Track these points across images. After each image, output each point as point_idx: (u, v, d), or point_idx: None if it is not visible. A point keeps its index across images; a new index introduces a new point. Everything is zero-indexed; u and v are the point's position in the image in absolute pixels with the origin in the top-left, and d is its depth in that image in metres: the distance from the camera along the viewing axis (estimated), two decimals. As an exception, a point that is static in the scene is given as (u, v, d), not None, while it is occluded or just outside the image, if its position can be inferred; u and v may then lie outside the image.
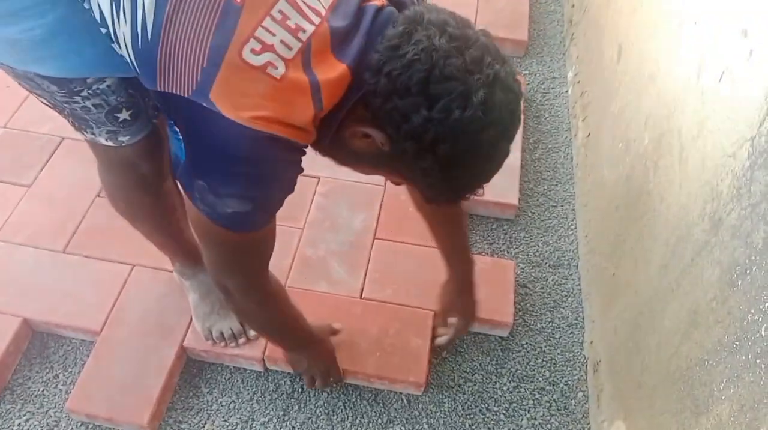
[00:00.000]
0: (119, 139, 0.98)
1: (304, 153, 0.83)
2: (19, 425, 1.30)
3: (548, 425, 1.33)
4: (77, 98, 0.88)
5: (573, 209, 1.67)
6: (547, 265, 1.57)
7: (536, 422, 1.34)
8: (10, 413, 1.31)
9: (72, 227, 1.52)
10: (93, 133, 0.97)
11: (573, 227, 1.64)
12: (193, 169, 0.81)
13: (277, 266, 1.48)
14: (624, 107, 1.42)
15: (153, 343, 1.35)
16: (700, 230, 0.96)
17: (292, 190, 0.86)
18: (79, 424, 1.30)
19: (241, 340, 1.35)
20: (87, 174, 1.62)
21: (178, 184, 0.87)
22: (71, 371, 1.36)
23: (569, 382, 1.39)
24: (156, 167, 1.08)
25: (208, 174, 0.80)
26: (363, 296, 1.46)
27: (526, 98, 1.91)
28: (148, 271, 1.46)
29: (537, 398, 1.37)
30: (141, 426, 1.26)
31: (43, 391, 1.34)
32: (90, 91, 0.88)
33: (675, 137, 1.11)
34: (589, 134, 1.66)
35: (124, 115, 0.94)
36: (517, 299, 1.50)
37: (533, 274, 1.56)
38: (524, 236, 1.62)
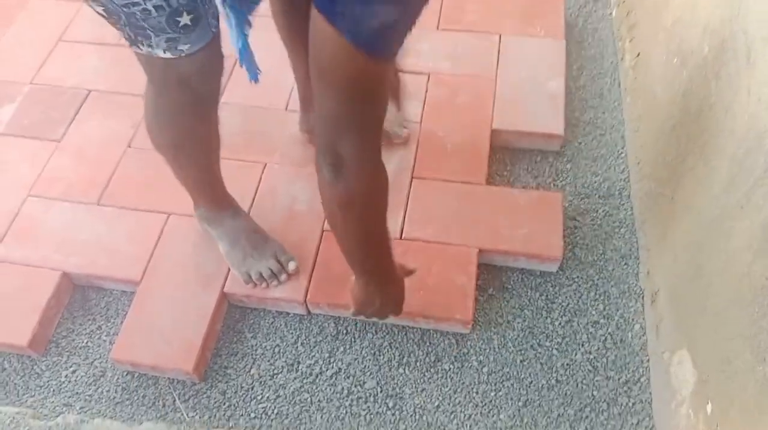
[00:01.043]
0: (179, 47, 0.92)
1: None
2: (66, 376, 1.30)
3: (604, 359, 1.28)
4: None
5: (622, 137, 1.58)
6: (597, 196, 1.49)
7: (591, 356, 1.28)
8: (56, 365, 1.31)
9: (104, 179, 1.50)
10: (150, 45, 0.91)
11: (623, 154, 1.54)
12: None
13: (312, 209, 1.44)
14: (677, 19, 1.31)
15: (193, 290, 1.33)
16: (774, 137, 0.87)
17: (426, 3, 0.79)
18: (124, 373, 1.29)
19: (283, 277, 1.31)
20: (116, 126, 1.60)
21: (316, 10, 0.77)
22: (114, 322, 1.36)
23: (625, 314, 1.33)
24: (213, 89, 1.05)
25: None
26: (403, 236, 1.40)
27: (568, 24, 1.79)
28: (185, 219, 1.43)
29: (591, 332, 1.31)
30: (186, 372, 1.25)
31: (87, 343, 1.34)
32: None
33: (740, 40, 1.00)
34: (638, 55, 1.54)
35: (185, 19, 0.89)
36: (566, 233, 1.42)
37: (582, 206, 1.48)
38: (571, 168, 1.54)
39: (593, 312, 1.33)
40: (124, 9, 0.85)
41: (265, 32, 1.76)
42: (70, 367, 1.31)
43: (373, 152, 0.90)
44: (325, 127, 0.87)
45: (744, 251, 0.92)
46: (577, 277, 1.38)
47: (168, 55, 0.93)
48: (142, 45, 0.92)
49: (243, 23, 1.03)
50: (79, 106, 1.64)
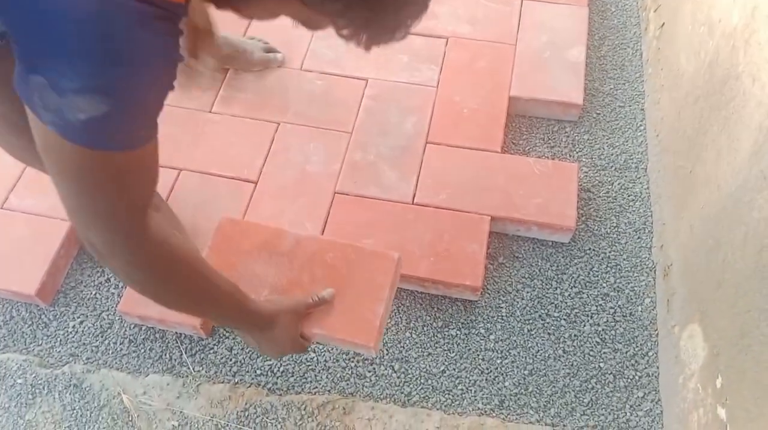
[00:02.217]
0: None
1: (178, 19, 0.64)
2: (73, 327, 1.30)
3: (612, 331, 1.27)
4: None
5: (642, 109, 1.54)
6: (613, 168, 1.47)
7: (599, 328, 1.27)
8: (64, 315, 1.32)
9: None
10: None
11: (642, 127, 1.51)
12: (26, 62, 0.60)
13: (326, 170, 1.42)
14: (707, -13, 1.27)
15: (201, 245, 1.32)
16: (805, 106, 0.84)
17: (167, 86, 0.65)
18: (132, 326, 1.30)
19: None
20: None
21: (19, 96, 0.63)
22: (122, 275, 1.35)
23: (636, 288, 1.31)
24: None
25: (43, 60, 0.59)
26: (415, 201, 1.39)
27: (591, -8, 1.75)
28: (196, 175, 1.42)
29: (600, 304, 1.30)
30: (194, 327, 1.25)
31: (95, 294, 1.34)
32: None
33: (774, 7, 0.97)
34: (663, 25, 1.50)
35: None
36: (580, 204, 1.40)
37: (597, 178, 1.46)
38: (588, 139, 1.51)
39: (604, 284, 1.32)
40: None
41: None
42: (78, 318, 1.31)
43: (129, 239, 0.74)
44: (69, 216, 0.74)
45: (765, 222, 0.90)
46: (589, 249, 1.36)
47: None
48: None
49: None
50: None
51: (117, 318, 1.30)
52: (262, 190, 1.40)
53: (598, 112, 1.55)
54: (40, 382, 1.23)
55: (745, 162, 1.00)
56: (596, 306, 1.30)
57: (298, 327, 1.02)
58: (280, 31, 1.65)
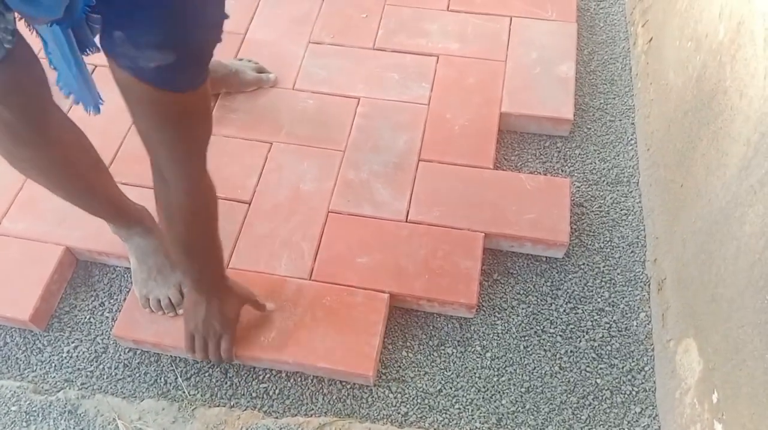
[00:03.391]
0: None
1: None
2: (68, 352, 1.29)
3: (608, 347, 1.26)
4: None
5: (632, 123, 1.55)
6: (605, 182, 1.47)
7: (595, 344, 1.27)
8: (58, 340, 1.31)
9: (110, 155, 1.49)
10: None
11: (633, 141, 1.52)
12: (111, 23, 0.75)
13: (319, 189, 1.43)
14: (692, 2, 1.28)
15: (196, 268, 1.32)
16: (791, 121, 0.85)
17: (218, 38, 0.81)
18: (126, 350, 1.29)
19: (180, 310, 1.25)
20: (122, 100, 1.58)
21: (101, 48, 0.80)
22: (116, 299, 1.35)
23: (630, 302, 1.31)
24: (22, 113, 0.93)
25: (122, 18, 0.74)
26: (409, 218, 1.39)
27: (580, 8, 1.76)
28: (188, 197, 1.41)
29: (596, 320, 1.30)
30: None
31: (89, 319, 1.33)
32: None
33: (758, 22, 0.98)
34: (651, 39, 1.52)
35: None
36: (573, 219, 1.41)
37: (590, 192, 1.46)
38: (579, 153, 1.52)
39: (598, 299, 1.32)
40: None
41: (272, 9, 1.75)
42: (72, 343, 1.30)
43: (192, 171, 0.95)
44: (146, 146, 0.92)
45: (756, 237, 0.91)
46: (583, 264, 1.37)
47: None
48: None
49: (63, 44, 0.88)
50: (85, 82, 1.62)
51: (111, 342, 1.30)
52: (255, 210, 1.40)
53: (588, 126, 1.56)
54: (34, 409, 1.22)
55: (734, 177, 1.00)
56: (591, 321, 1.30)
57: (238, 313, 1.20)
58: (272, 52, 1.66)
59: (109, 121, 1.54)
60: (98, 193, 1.18)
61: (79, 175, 1.11)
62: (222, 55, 1.66)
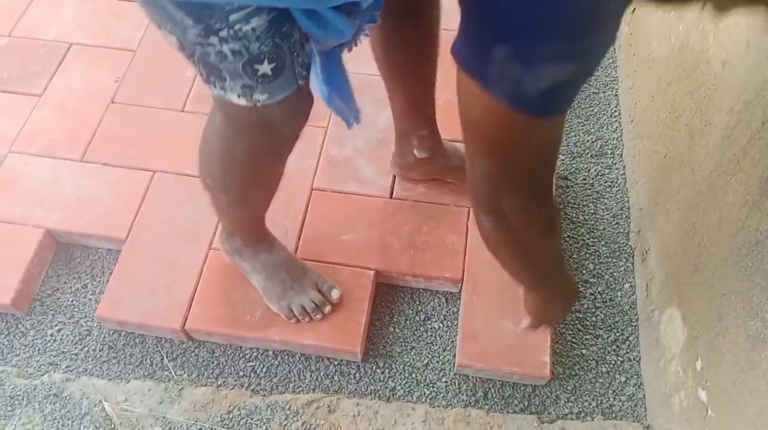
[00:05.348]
0: (254, 97, 0.80)
1: None
2: (51, 335, 1.28)
3: (594, 318, 1.27)
4: (213, 39, 0.72)
5: (616, 95, 1.55)
6: (589, 155, 1.47)
7: (580, 315, 1.28)
8: (41, 323, 1.29)
9: (88, 135, 1.46)
10: (223, 88, 0.80)
11: (616, 113, 1.52)
12: (492, 32, 0.60)
13: (301, 166, 1.41)
14: (676, -29, 1.27)
15: (180, 247, 1.31)
16: (774, 89, 0.85)
17: (613, 39, 0.64)
18: (111, 332, 1.28)
19: (327, 308, 1.22)
20: (98, 80, 1.55)
21: (463, 70, 0.65)
22: (99, 280, 1.34)
23: (615, 274, 1.32)
24: (298, 130, 0.93)
25: (517, 29, 0.58)
26: (393, 195, 1.38)
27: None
28: (170, 176, 1.40)
29: (581, 291, 1.30)
30: (174, 330, 1.24)
31: (72, 301, 1.32)
32: (231, 32, 0.71)
33: (741, -10, 0.97)
34: (634, 10, 1.51)
35: (264, 68, 0.77)
36: (558, 192, 1.41)
37: (574, 165, 1.46)
38: (564, 126, 1.51)
39: (583, 271, 1.33)
40: (198, 47, 0.75)
41: None
42: (56, 325, 1.29)
43: (539, 203, 0.77)
44: (482, 186, 0.75)
45: (739, 205, 0.91)
46: (568, 236, 1.37)
47: (243, 101, 0.81)
48: (215, 85, 0.81)
49: (335, 65, 0.92)
50: (61, 60, 1.59)
51: (95, 324, 1.29)
52: (238, 190, 1.39)
53: (572, 99, 1.55)
54: (18, 393, 1.21)
55: (717, 146, 1.01)
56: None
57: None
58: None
59: (86, 102, 1.52)
60: (267, 206, 1.14)
61: (274, 191, 1.09)
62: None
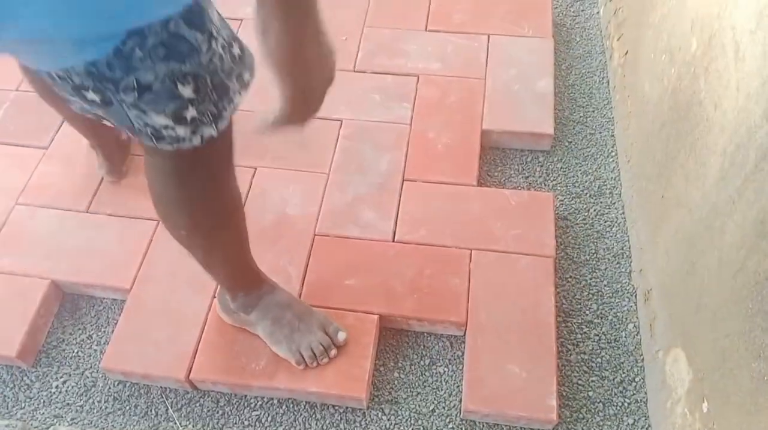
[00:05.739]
0: (204, 133, 0.82)
1: None
2: (56, 387, 1.28)
3: (598, 359, 1.27)
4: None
5: (612, 135, 1.58)
6: (588, 195, 1.49)
7: (585, 357, 1.27)
8: (47, 375, 1.29)
9: (93, 186, 1.48)
10: (223, 117, 0.84)
11: (613, 153, 1.54)
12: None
13: (304, 213, 1.43)
14: (665, 16, 1.31)
15: (185, 297, 1.32)
16: (765, 133, 0.87)
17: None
18: (116, 382, 1.28)
19: (333, 352, 1.21)
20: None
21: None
22: (104, 331, 1.34)
23: (618, 313, 1.32)
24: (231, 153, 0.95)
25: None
26: (395, 238, 1.40)
27: (556, 23, 1.79)
28: (174, 226, 1.41)
29: (585, 332, 1.30)
30: (179, 381, 1.23)
31: (77, 352, 1.32)
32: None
33: (728, 35, 1.00)
34: (627, 53, 1.54)
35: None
36: (558, 233, 1.42)
37: (573, 205, 1.48)
38: (561, 167, 1.54)
39: (587, 312, 1.33)
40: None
41: (251, 36, 1.76)
42: (61, 377, 1.29)
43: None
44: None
45: (737, 247, 0.92)
46: (570, 277, 1.38)
47: (196, 141, 0.82)
48: (220, 118, 0.83)
49: None
50: (66, 114, 1.62)
51: (100, 376, 1.29)
52: (242, 237, 1.40)
53: (569, 140, 1.58)
54: (23, 447, 1.20)
55: (713, 187, 1.02)
56: (581, 334, 1.30)
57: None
58: (256, 77, 1.67)
59: (91, 154, 1.54)
60: (248, 248, 1.15)
61: (241, 225, 1.08)
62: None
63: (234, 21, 1.79)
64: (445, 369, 1.27)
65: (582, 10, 1.84)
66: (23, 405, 1.26)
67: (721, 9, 1.04)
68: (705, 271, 1.03)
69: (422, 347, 1.30)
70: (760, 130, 0.88)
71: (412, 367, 1.28)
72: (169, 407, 1.25)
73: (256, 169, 1.51)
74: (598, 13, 1.82)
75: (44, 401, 1.27)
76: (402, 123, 1.58)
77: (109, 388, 1.27)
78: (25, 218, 1.44)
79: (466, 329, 1.28)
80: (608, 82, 1.67)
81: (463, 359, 1.27)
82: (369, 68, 1.69)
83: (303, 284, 1.33)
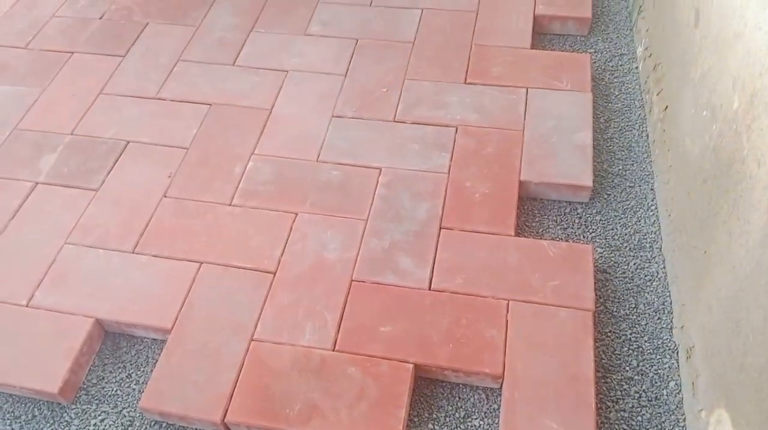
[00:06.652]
0: None
1: None
2: (95, 425, 1.30)
3: (639, 417, 1.24)
4: None
5: (652, 189, 1.57)
6: (628, 248, 1.48)
7: (625, 415, 1.24)
8: (86, 413, 1.32)
9: (140, 228, 1.53)
10: None
11: (653, 207, 1.54)
12: None
13: (342, 257, 1.45)
14: (706, 73, 1.32)
15: (224, 339, 1.33)
16: (811, 191, 0.86)
17: None
18: (152, 423, 1.29)
19: None
20: (152, 176, 1.64)
21: None
22: (144, 370, 1.36)
23: (659, 371, 1.29)
24: None
25: None
26: (432, 287, 1.40)
27: (594, 78, 1.81)
28: (217, 267, 1.44)
29: (625, 389, 1.28)
30: (214, 423, 1.24)
31: (116, 391, 1.34)
32: None
33: (771, 95, 1.01)
34: (666, 108, 1.55)
35: None
36: (597, 286, 1.41)
37: (613, 258, 1.47)
38: (600, 219, 1.53)
39: (627, 368, 1.30)
40: None
41: (297, 86, 1.82)
42: (99, 415, 1.31)
43: None
44: None
45: (783, 306, 0.91)
46: (610, 331, 1.36)
47: None
48: None
49: None
50: (118, 157, 1.69)
51: (138, 415, 1.30)
52: (280, 280, 1.42)
53: (608, 192, 1.58)
54: (60, 484, 1.22)
55: (757, 244, 1.01)
56: (621, 391, 1.28)
57: None
58: (297, 126, 1.72)
59: (139, 197, 1.60)
60: None
61: None
62: (250, 129, 1.72)
63: (280, 72, 1.86)
64: (481, 422, 1.25)
65: (621, 65, 1.86)
66: (62, 441, 1.28)
67: (764, 68, 1.04)
68: (750, 330, 1.01)
69: (457, 398, 1.29)
70: (806, 188, 0.87)
71: (447, 419, 1.26)
72: (204, 450, 1.25)
73: (296, 214, 1.54)
74: (637, 68, 1.84)
75: (82, 439, 1.28)
76: (440, 172, 1.60)
77: (146, 427, 1.29)
78: (74, 257, 1.49)
79: (502, 382, 1.27)
80: (647, 135, 1.67)
81: (499, 412, 1.25)
82: (409, 119, 1.73)
83: (339, 329, 1.34)
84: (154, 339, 1.40)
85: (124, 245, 1.50)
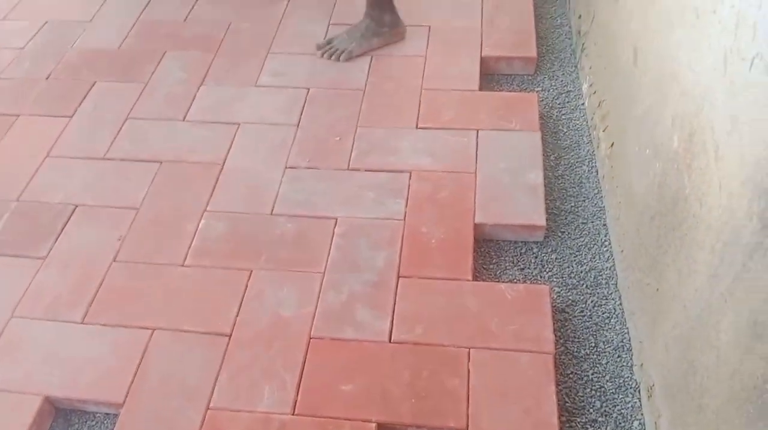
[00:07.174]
0: None
1: None
2: None
3: (606, 461, 1.23)
4: None
5: (605, 224, 1.58)
6: (584, 286, 1.48)
7: (592, 459, 1.23)
8: (36, 496, 1.25)
9: (89, 296, 1.48)
10: None
11: (607, 242, 1.55)
12: None
13: (300, 314, 1.42)
14: (647, 110, 1.34)
15: (178, 409, 1.29)
16: (749, 232, 0.87)
17: None
18: (107, 502, 1.23)
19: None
20: (102, 239, 1.60)
21: None
22: (96, 446, 1.31)
23: (623, 411, 1.29)
24: None
25: None
26: (392, 339, 1.38)
27: (542, 115, 1.84)
28: (170, 333, 1.40)
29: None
30: (170, 500, 1.19)
31: (69, 470, 1.28)
32: None
33: (708, 134, 1.03)
34: (613, 144, 1.58)
35: None
36: (556, 326, 1.40)
37: (570, 297, 1.47)
38: (556, 258, 1.54)
39: (591, 410, 1.29)
40: None
41: (249, 138, 1.81)
42: (50, 498, 1.25)
43: None
44: None
45: (733, 347, 0.91)
46: (571, 373, 1.35)
47: None
48: None
49: None
50: (66, 221, 1.65)
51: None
52: (236, 341, 1.39)
53: (562, 230, 1.59)
54: None
55: (705, 284, 1.01)
56: (586, 434, 1.26)
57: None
58: (250, 179, 1.71)
59: (88, 263, 1.56)
60: None
61: None
62: (202, 185, 1.70)
63: (232, 125, 1.84)
64: (447, 477, 1.22)
65: (568, 102, 1.89)
66: None
67: (699, 108, 1.07)
68: (704, 370, 1.01)
69: (423, 453, 1.26)
70: (744, 229, 0.88)
71: (413, 476, 1.23)
72: None
73: (251, 271, 1.51)
74: (583, 104, 1.87)
75: None
76: (396, 219, 1.60)
77: None
78: (22, 330, 1.43)
79: (466, 433, 1.24)
80: (597, 171, 1.70)
81: (465, 465, 1.23)
82: (363, 166, 1.73)
83: (298, 391, 1.30)
84: (107, 413, 1.35)
85: (73, 315, 1.45)
